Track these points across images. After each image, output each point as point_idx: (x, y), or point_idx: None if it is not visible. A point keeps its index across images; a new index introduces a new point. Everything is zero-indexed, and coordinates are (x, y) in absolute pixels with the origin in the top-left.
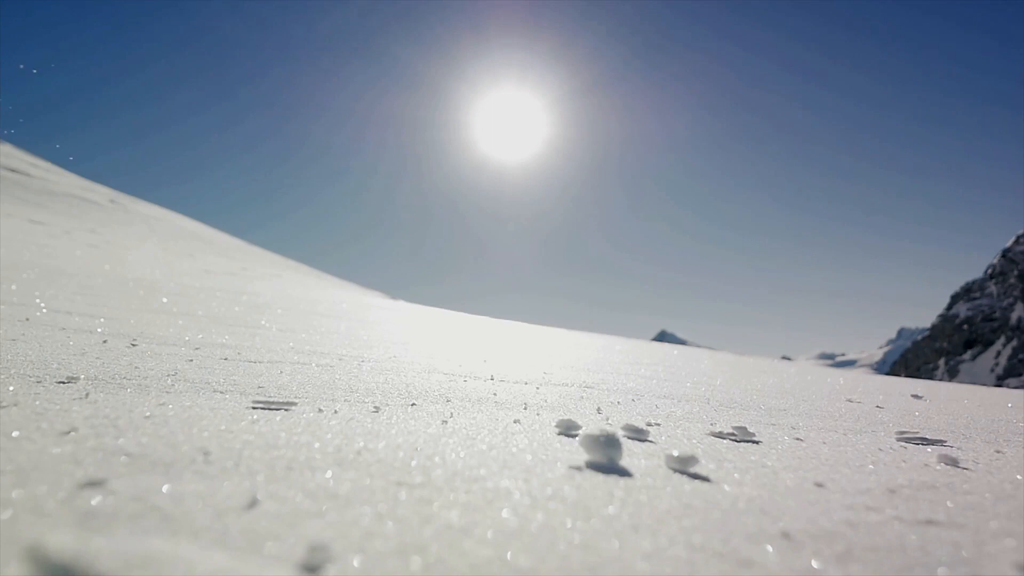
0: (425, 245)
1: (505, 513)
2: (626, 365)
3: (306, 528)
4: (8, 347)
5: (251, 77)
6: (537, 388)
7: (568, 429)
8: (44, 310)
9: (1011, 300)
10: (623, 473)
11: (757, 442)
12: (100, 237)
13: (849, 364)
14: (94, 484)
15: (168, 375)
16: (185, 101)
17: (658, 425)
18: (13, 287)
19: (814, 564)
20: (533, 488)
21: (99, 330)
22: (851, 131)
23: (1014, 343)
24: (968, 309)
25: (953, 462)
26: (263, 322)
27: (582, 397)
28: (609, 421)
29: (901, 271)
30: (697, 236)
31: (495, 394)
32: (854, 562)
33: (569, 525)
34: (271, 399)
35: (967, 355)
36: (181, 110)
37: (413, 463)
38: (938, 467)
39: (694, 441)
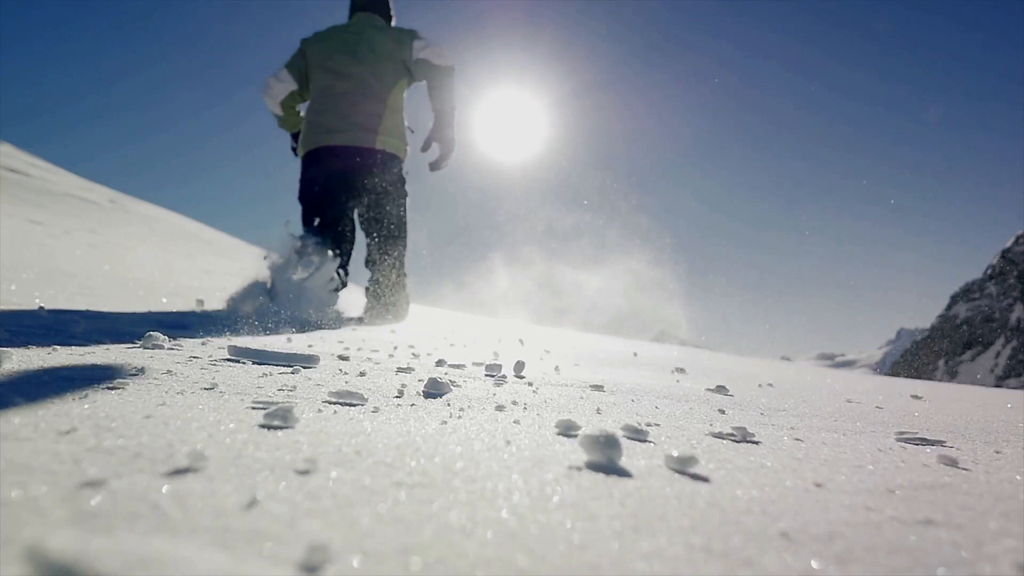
0: (424, 244)
1: (505, 513)
2: (626, 365)
3: (306, 528)
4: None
5: (251, 77)
6: (536, 389)
7: (568, 429)
8: (44, 310)
9: (1011, 301)
10: (623, 473)
11: (757, 442)
12: (100, 237)
13: (849, 364)
14: (94, 484)
15: (168, 375)
16: (185, 101)
17: (658, 425)
18: (13, 287)
19: (814, 564)
20: (533, 488)
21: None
22: (851, 130)
23: (1013, 344)
24: (968, 310)
25: (952, 462)
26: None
27: (582, 397)
28: (609, 421)
29: (901, 271)
30: (697, 236)
31: (494, 394)
32: (854, 562)
33: (569, 525)
34: (271, 399)
35: (967, 356)
36: (181, 110)
37: (413, 463)
38: (937, 467)
39: (693, 441)
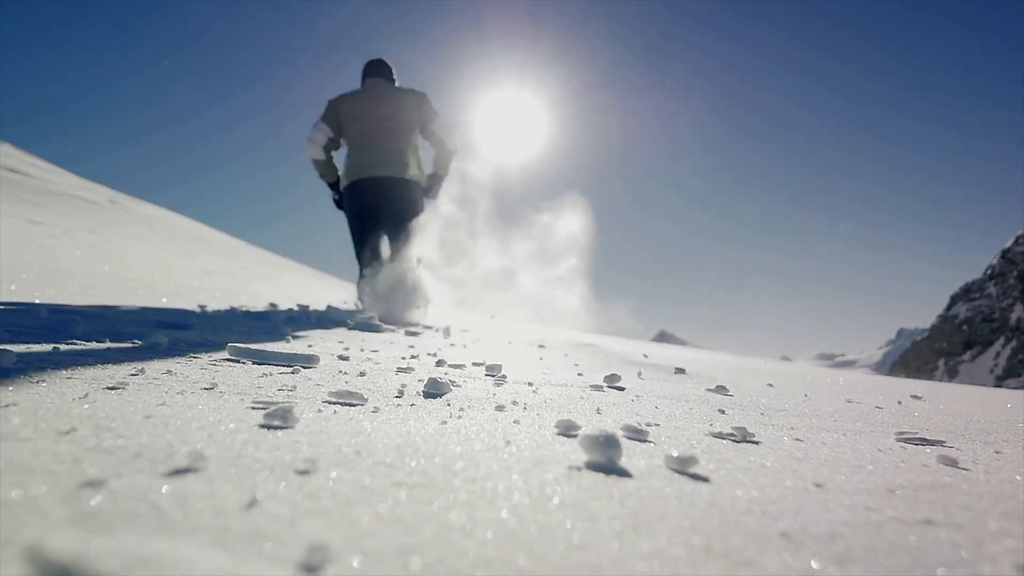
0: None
1: (505, 513)
2: (626, 366)
3: (306, 528)
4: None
5: (251, 77)
6: (536, 389)
7: (568, 429)
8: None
9: (1010, 301)
10: (623, 473)
11: (757, 442)
12: (100, 237)
13: (849, 364)
14: (94, 484)
15: (168, 375)
16: (185, 101)
17: (658, 425)
18: (13, 287)
19: (814, 564)
20: (532, 488)
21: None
22: (851, 131)
23: (1013, 344)
24: (967, 310)
25: (952, 462)
26: (262, 322)
27: (582, 397)
28: (609, 421)
29: (901, 271)
30: (697, 236)
31: (494, 394)
32: (854, 562)
33: (569, 525)
34: (271, 399)
35: (966, 356)
36: (181, 110)
37: (412, 463)
38: (937, 467)
39: (693, 441)
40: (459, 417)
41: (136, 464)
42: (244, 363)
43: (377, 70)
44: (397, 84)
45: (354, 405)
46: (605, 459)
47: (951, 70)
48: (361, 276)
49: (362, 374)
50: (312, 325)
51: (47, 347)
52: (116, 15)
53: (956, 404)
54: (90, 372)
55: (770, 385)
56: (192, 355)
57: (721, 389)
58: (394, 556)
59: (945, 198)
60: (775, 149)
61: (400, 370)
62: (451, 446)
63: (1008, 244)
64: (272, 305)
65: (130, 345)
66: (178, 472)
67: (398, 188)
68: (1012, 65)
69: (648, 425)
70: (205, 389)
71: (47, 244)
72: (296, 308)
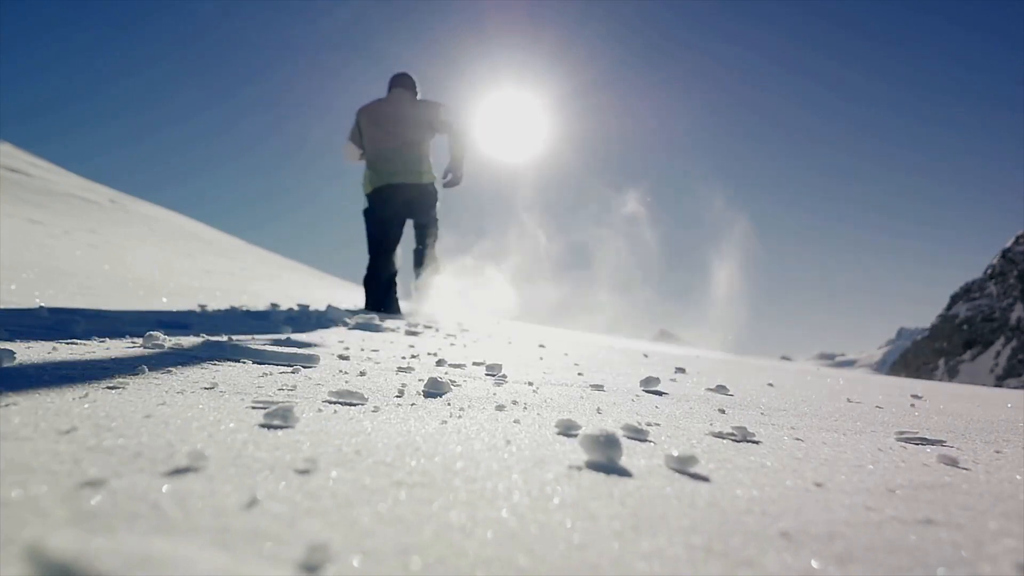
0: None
1: (505, 513)
2: (626, 365)
3: (306, 528)
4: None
5: (251, 77)
6: (536, 388)
7: (568, 429)
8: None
9: (1011, 300)
10: (623, 473)
11: (757, 442)
12: (100, 237)
13: (849, 364)
14: (94, 484)
15: (168, 375)
16: (185, 101)
17: (658, 425)
18: (13, 287)
19: (814, 564)
20: (533, 488)
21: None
22: (851, 131)
23: (1013, 343)
24: (968, 309)
25: (953, 462)
26: (262, 322)
27: (582, 397)
28: (609, 421)
29: (901, 271)
30: (696, 235)
31: (494, 394)
32: (854, 562)
33: (569, 525)
34: (271, 399)
35: (967, 355)
36: (181, 110)
37: (413, 463)
38: (937, 467)
39: (694, 441)
40: (459, 417)
41: (136, 464)
42: (244, 363)
43: (401, 82)
44: (420, 97)
45: (354, 405)
46: (605, 459)
47: (951, 70)
48: (372, 276)
49: (362, 374)
50: (312, 325)
51: (47, 347)
52: (116, 15)
53: (956, 404)
54: (90, 372)
55: (770, 385)
56: (192, 355)
57: (721, 389)
58: (394, 556)
59: (945, 198)
60: (775, 149)
61: (400, 370)
62: (451, 446)
63: (1008, 244)
64: (272, 305)
65: (130, 345)
66: (178, 472)
67: (417, 192)
68: (1012, 65)
69: (648, 425)
70: (205, 389)
71: (47, 244)
72: (296, 308)
